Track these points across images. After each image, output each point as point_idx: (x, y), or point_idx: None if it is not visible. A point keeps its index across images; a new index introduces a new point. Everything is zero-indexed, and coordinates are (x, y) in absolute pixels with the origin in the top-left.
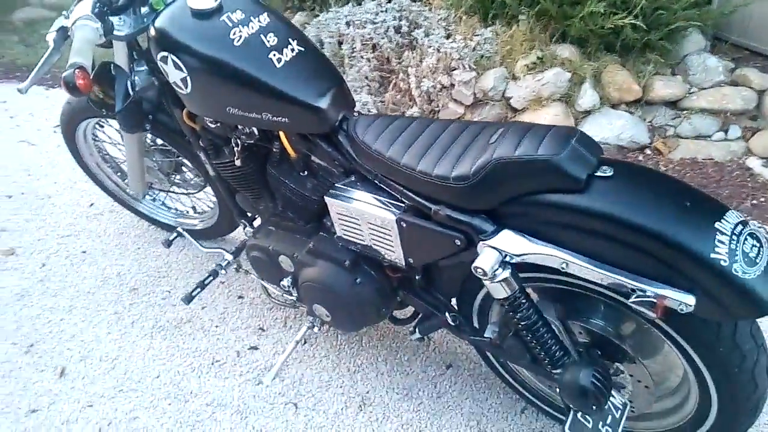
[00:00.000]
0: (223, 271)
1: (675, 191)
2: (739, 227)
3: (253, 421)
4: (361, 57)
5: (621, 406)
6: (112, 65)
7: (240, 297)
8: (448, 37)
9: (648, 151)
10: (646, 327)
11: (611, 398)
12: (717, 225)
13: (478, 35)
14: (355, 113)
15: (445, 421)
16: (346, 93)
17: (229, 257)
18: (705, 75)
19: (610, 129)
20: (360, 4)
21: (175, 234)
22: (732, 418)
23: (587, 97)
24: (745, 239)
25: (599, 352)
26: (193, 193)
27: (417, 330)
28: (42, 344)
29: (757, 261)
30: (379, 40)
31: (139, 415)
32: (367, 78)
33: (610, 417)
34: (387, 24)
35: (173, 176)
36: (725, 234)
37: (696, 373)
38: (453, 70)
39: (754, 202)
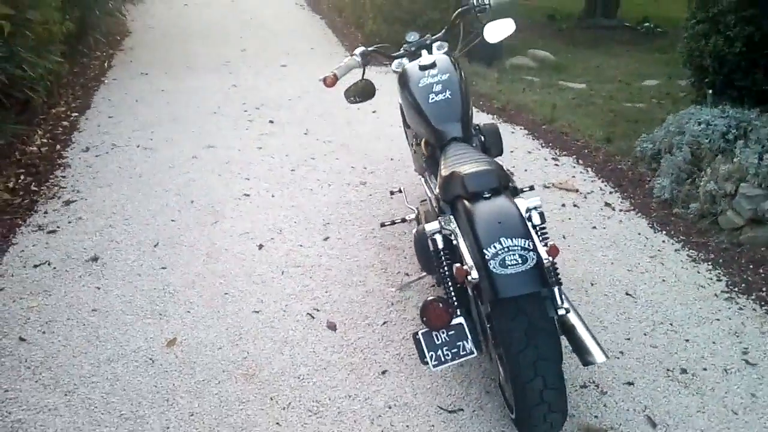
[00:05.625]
0: (407, 223)
1: (506, 215)
2: (517, 248)
3: (371, 297)
4: (680, 150)
5: (467, 352)
6: (365, 81)
7: None
8: (761, 157)
9: None
10: None
11: (465, 343)
12: (502, 239)
13: None
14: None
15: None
16: (462, 127)
17: (413, 215)
18: None
19: None
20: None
21: (398, 188)
22: (517, 398)
23: None
24: (513, 255)
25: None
26: None
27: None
28: (332, 228)
29: (509, 268)
30: (702, 140)
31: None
32: (678, 168)
33: (454, 349)
34: (717, 129)
35: None
36: (501, 245)
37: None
38: (742, 182)
39: None
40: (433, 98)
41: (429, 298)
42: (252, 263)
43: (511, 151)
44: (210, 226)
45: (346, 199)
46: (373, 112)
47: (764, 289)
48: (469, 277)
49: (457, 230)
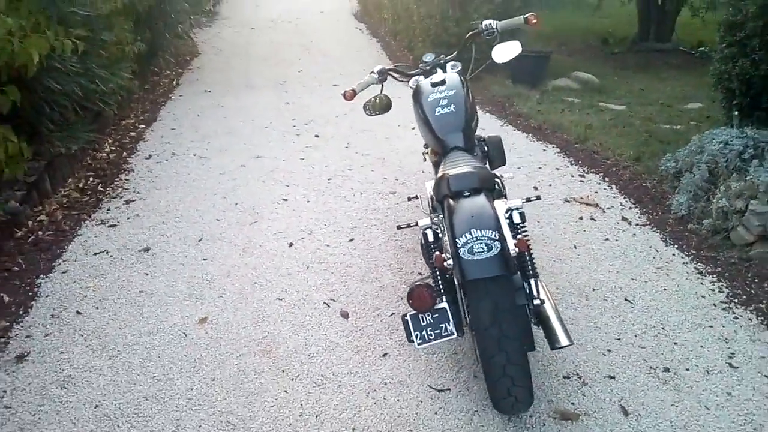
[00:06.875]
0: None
1: (480, 211)
2: (485, 238)
3: (384, 292)
4: (699, 168)
5: (448, 333)
6: (382, 96)
7: None
8: None
9: None
10: None
11: (447, 325)
12: (472, 230)
13: None
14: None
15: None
16: (464, 138)
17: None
18: None
19: None
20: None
21: (414, 195)
22: (486, 373)
23: None
24: (480, 243)
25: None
26: None
27: None
28: (358, 231)
29: (476, 255)
30: (720, 159)
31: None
32: (696, 185)
33: (437, 330)
34: (734, 148)
35: None
36: (471, 235)
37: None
38: (752, 199)
39: None
40: (439, 111)
41: (416, 283)
42: (282, 258)
43: (539, 168)
44: (249, 226)
45: (375, 206)
46: (413, 128)
47: (765, 301)
48: (445, 264)
49: (444, 225)
